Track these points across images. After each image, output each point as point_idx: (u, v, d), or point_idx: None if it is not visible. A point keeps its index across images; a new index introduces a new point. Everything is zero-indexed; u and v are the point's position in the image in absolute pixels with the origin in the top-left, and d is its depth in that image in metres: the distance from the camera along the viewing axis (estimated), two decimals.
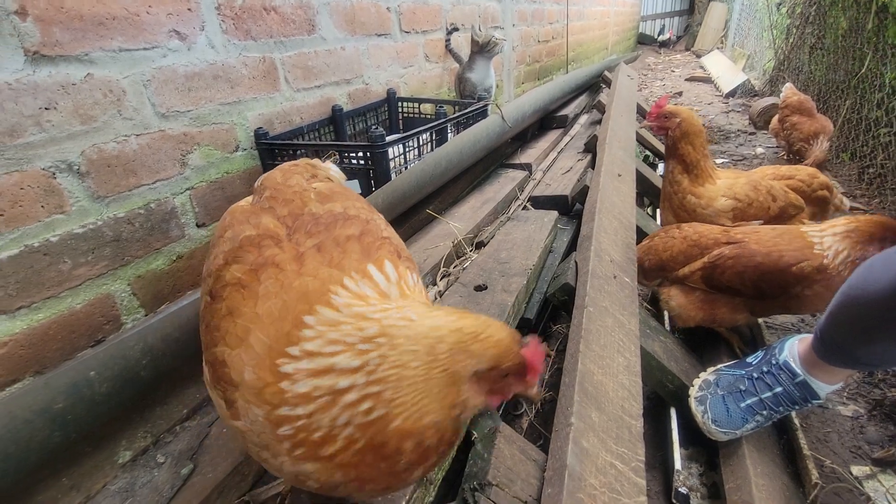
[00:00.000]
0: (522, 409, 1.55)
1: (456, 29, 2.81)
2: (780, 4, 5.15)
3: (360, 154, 1.52)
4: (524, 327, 1.50)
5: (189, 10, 1.44)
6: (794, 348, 1.13)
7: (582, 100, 3.92)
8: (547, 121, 3.27)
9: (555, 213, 1.96)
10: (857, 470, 1.28)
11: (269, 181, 0.78)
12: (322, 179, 0.82)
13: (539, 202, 2.18)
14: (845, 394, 1.52)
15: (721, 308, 1.38)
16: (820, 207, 1.62)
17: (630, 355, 1.14)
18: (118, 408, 0.85)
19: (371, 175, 1.50)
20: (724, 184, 1.47)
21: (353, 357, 0.48)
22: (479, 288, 1.40)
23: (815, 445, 1.36)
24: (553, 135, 3.10)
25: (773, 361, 1.15)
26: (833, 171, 3.23)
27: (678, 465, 1.24)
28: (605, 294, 1.27)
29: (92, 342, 1.28)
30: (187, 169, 1.49)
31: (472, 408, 0.52)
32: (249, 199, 0.80)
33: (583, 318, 1.13)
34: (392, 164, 1.66)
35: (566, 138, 3.12)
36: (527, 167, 2.50)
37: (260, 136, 1.63)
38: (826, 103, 3.69)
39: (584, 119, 3.55)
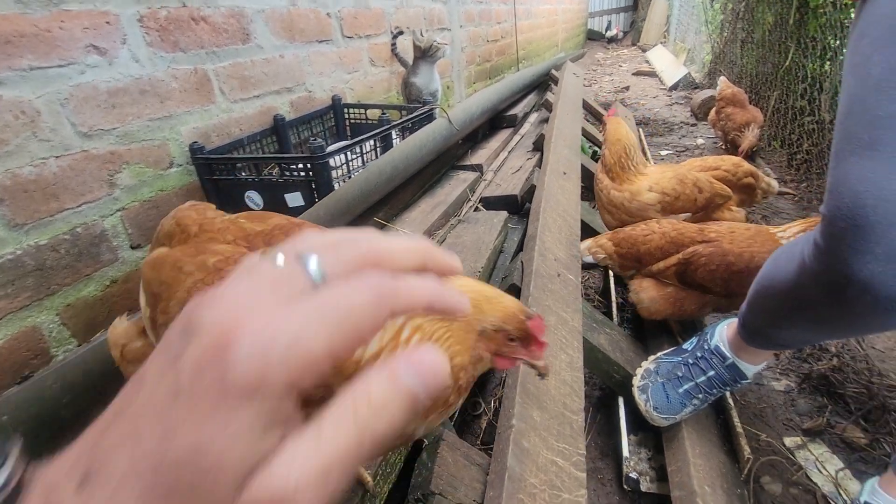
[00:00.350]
0: (481, 409, 1.57)
1: (401, 32, 2.81)
2: (713, 0, 5.41)
3: (301, 165, 1.50)
4: None
5: (107, 23, 1.37)
6: (723, 333, 1.20)
7: (531, 98, 4.00)
8: (497, 120, 3.31)
9: (504, 214, 1.99)
10: (789, 441, 1.37)
11: (186, 220, 0.76)
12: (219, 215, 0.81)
13: (490, 203, 2.21)
14: (778, 370, 1.62)
15: (690, 304, 1.42)
16: (747, 194, 1.71)
17: (573, 351, 1.17)
18: (37, 450, 0.80)
19: (313, 186, 1.48)
20: (650, 178, 1.54)
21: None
22: None
23: (752, 421, 1.45)
24: (503, 134, 3.15)
25: (706, 346, 1.21)
26: (766, 158, 3.43)
27: (626, 452, 1.29)
28: (549, 293, 1.30)
29: (18, 378, 1.21)
30: (117, 189, 1.43)
31: (485, 360, 0.59)
32: (162, 249, 0.75)
33: None
34: (336, 174, 1.65)
35: (516, 137, 3.18)
36: (478, 168, 2.53)
37: (196, 150, 1.58)
38: (758, 94, 3.91)
39: (533, 117, 3.62)
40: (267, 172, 1.64)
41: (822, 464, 1.29)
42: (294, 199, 1.50)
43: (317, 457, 0.20)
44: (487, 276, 1.62)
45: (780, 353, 1.66)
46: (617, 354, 1.39)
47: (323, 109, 2.25)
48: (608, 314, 1.89)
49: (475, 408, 1.57)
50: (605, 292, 2.13)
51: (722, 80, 3.42)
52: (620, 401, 1.42)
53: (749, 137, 3.00)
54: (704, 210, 1.56)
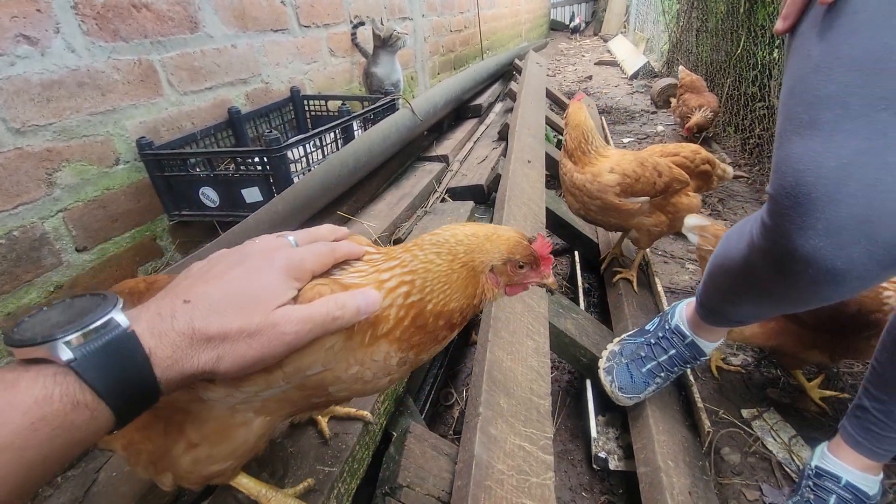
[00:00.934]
0: (453, 399, 1.58)
1: (361, 23, 2.74)
2: None
3: (257, 159, 1.45)
4: None
5: (38, 10, 1.28)
6: (682, 312, 1.23)
7: (496, 88, 3.99)
8: (462, 111, 3.30)
9: (471, 203, 1.99)
10: (746, 413, 1.43)
11: (126, 285, 0.74)
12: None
13: (456, 193, 2.20)
14: (735, 345, 1.69)
15: (788, 342, 1.31)
16: (704, 180, 1.77)
17: (539, 337, 1.18)
18: None
19: (271, 181, 1.43)
20: (611, 160, 1.56)
21: (392, 260, 0.58)
22: None
23: (711, 395, 1.51)
24: (469, 124, 3.13)
25: (667, 326, 1.25)
26: (721, 143, 3.55)
27: (594, 433, 1.32)
28: None
29: None
30: (56, 189, 1.34)
31: (491, 297, 0.62)
32: None
33: (492, 307, 1.16)
34: (296, 167, 1.60)
35: (482, 127, 3.17)
36: (444, 159, 2.51)
37: (144, 146, 1.50)
38: (713, 82, 4.03)
39: (498, 107, 3.62)
40: (223, 167, 1.58)
41: (776, 433, 1.36)
42: (251, 194, 1.45)
43: (306, 311, 0.47)
44: None
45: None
46: (583, 338, 1.42)
47: (281, 102, 2.18)
48: (575, 299, 1.92)
49: (447, 398, 1.57)
50: (571, 278, 2.16)
51: (681, 69, 3.52)
52: (588, 383, 1.45)
53: (697, 116, 3.13)
54: (663, 194, 1.60)
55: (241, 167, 1.48)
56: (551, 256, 0.63)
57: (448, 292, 0.57)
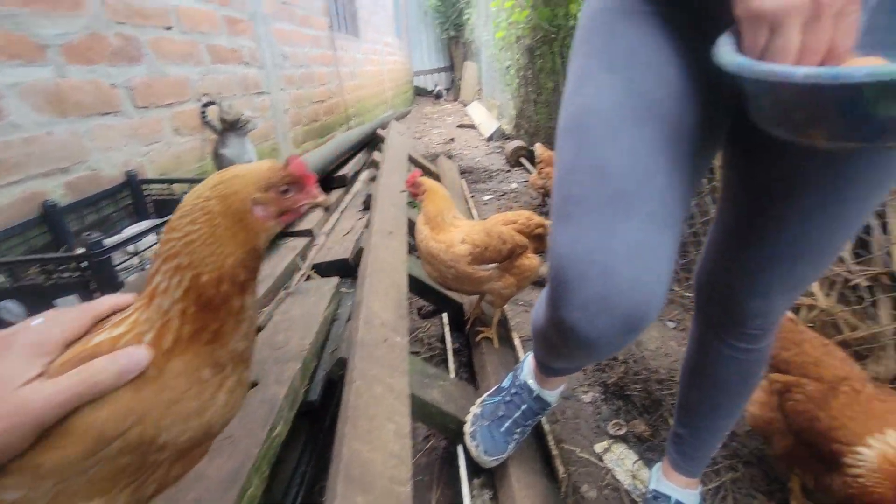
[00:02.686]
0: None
1: (211, 102, 2.68)
2: (508, 67, 6.41)
3: (74, 265, 1.29)
4: (309, 412, 1.46)
5: None
6: (530, 365, 1.36)
7: (361, 156, 4.14)
8: (328, 182, 3.34)
9: (335, 280, 1.99)
10: (598, 447, 1.60)
11: None
12: None
13: (322, 269, 2.19)
14: (586, 384, 1.90)
15: (778, 437, 1.27)
16: (540, 242, 2.01)
17: (400, 418, 1.20)
18: None
19: (93, 286, 1.28)
20: (462, 231, 1.71)
21: (154, 269, 0.54)
22: (251, 386, 1.31)
23: (570, 435, 1.65)
24: (335, 195, 3.18)
25: (518, 382, 1.36)
26: None
27: (467, 501, 1.35)
28: (374, 361, 1.33)
29: None
30: None
31: (267, 231, 0.58)
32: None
33: (350, 396, 1.16)
34: (136, 261, 1.46)
35: (348, 196, 3.23)
36: (308, 233, 2.49)
37: None
38: (552, 146, 4.70)
39: (364, 174, 3.74)
40: (31, 276, 1.37)
41: (622, 461, 1.53)
42: (68, 304, 1.27)
43: (57, 385, 0.45)
44: (319, 349, 1.58)
45: (586, 370, 1.95)
46: (450, 405, 1.47)
47: (115, 188, 1.99)
48: (445, 361, 1.99)
49: (322, 493, 1.48)
50: (442, 339, 2.24)
51: (538, 146, 3.85)
52: (460, 449, 1.49)
53: None
54: (509, 258, 1.79)
55: (52, 276, 1.30)
56: (312, 174, 0.63)
57: (220, 251, 0.54)
